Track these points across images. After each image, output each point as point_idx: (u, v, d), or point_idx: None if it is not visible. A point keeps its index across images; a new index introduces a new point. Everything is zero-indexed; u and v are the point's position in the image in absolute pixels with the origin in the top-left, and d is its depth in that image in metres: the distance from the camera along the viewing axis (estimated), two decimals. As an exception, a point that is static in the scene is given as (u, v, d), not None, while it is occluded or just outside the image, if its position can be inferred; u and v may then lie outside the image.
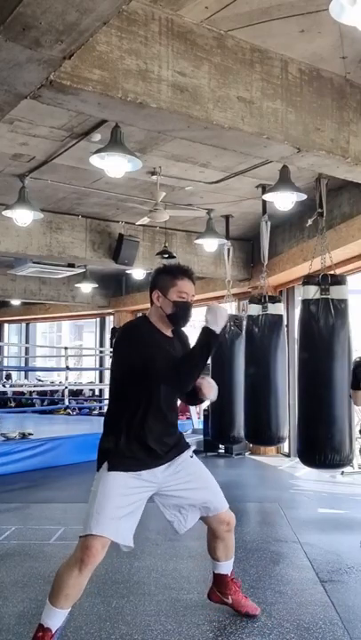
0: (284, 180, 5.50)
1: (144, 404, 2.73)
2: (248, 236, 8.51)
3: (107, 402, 13.94)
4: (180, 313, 2.81)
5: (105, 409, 14.14)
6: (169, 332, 2.88)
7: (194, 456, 3.01)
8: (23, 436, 7.95)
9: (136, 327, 2.98)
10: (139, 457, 2.72)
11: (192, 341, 2.88)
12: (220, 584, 3.16)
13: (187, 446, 2.99)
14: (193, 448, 3.09)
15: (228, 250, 7.49)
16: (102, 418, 9.89)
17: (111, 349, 12.79)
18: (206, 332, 2.67)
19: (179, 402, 3.21)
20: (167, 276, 2.86)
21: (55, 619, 2.57)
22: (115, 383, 2.92)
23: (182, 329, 2.96)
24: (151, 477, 2.76)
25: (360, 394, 4.06)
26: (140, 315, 12.71)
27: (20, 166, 5.94)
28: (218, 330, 2.68)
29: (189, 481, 2.90)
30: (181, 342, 2.92)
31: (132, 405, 2.75)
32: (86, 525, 2.61)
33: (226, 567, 3.15)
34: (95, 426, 10.43)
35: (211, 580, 3.22)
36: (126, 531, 2.69)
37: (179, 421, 3.15)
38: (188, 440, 3.16)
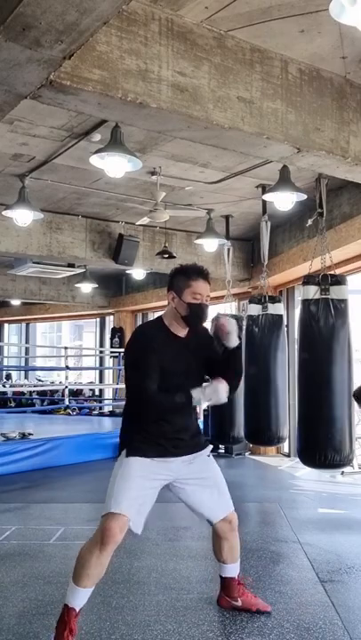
0: (284, 180, 5.50)
1: (155, 400, 2.78)
2: (248, 236, 8.51)
3: (107, 402, 13.99)
4: (195, 314, 2.85)
5: (105, 409, 14.14)
6: (183, 332, 2.91)
7: (210, 456, 3.07)
8: (23, 435, 7.95)
9: (143, 331, 3.06)
10: (154, 446, 2.81)
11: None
12: (228, 588, 3.17)
13: (206, 445, 3.06)
14: (211, 447, 3.12)
15: (228, 250, 7.48)
16: (102, 418, 9.99)
17: (111, 349, 12.87)
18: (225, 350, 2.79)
19: None
20: (182, 276, 2.88)
21: (78, 598, 2.67)
22: (128, 381, 2.97)
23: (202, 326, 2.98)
24: (167, 466, 2.84)
25: None
26: (140, 315, 12.74)
27: (20, 166, 5.94)
28: (233, 344, 2.80)
29: (203, 478, 2.96)
30: (200, 338, 2.93)
31: (145, 401, 2.80)
32: (106, 506, 2.71)
33: (233, 570, 3.15)
34: (95, 426, 10.46)
35: (219, 584, 3.23)
36: (141, 515, 2.76)
37: None
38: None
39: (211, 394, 2.76)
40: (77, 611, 2.68)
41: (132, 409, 2.92)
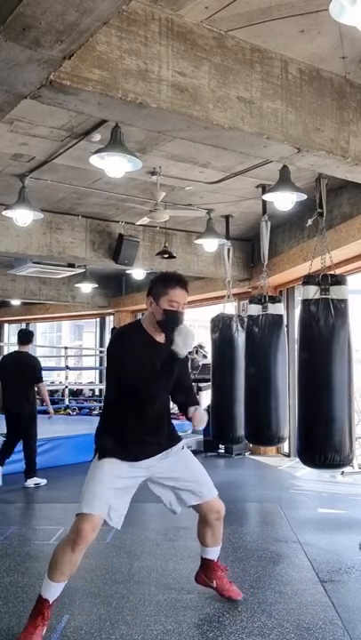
0: (284, 180, 5.50)
1: (127, 404, 2.93)
2: (248, 236, 8.51)
3: (106, 402, 13.65)
4: (169, 321, 2.94)
5: (105, 409, 13.88)
6: (160, 337, 3.02)
7: (185, 448, 3.21)
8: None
9: (121, 334, 3.20)
10: (124, 450, 2.94)
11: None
12: (206, 568, 3.37)
13: (178, 440, 3.18)
14: (184, 441, 3.25)
15: (228, 250, 7.48)
16: (102, 418, 9.52)
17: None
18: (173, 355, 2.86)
19: None
20: (160, 284, 3.00)
21: (52, 591, 2.83)
22: (106, 383, 3.19)
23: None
24: (139, 465, 2.97)
25: None
26: (139, 315, 12.75)
27: (20, 166, 5.94)
28: (183, 354, 2.87)
29: (176, 469, 3.08)
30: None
31: (117, 405, 2.99)
32: (79, 506, 2.85)
33: (213, 553, 3.34)
34: (95, 426, 10.45)
35: (199, 563, 3.40)
36: (116, 511, 2.90)
37: (178, 422, 3.23)
38: (188, 439, 3.24)
39: (182, 340, 2.85)
40: (50, 602, 2.83)
41: (108, 412, 3.10)
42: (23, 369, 6.66)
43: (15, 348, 7.44)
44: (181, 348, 2.83)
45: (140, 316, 12.74)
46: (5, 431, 6.80)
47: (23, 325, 16.31)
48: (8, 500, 6.03)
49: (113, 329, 13.17)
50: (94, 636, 2.89)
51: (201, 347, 7.08)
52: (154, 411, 2.97)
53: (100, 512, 2.83)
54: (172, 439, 3.15)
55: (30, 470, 6.63)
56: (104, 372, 13.88)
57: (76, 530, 2.81)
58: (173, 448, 3.11)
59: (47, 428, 7.87)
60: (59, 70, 2.87)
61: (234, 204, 7.24)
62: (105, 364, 13.98)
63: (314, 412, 4.75)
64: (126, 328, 3.35)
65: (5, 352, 16.40)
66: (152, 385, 2.86)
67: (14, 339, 17.18)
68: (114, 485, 2.89)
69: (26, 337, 6.85)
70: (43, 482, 6.70)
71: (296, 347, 5.45)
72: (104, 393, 3.27)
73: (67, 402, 11.92)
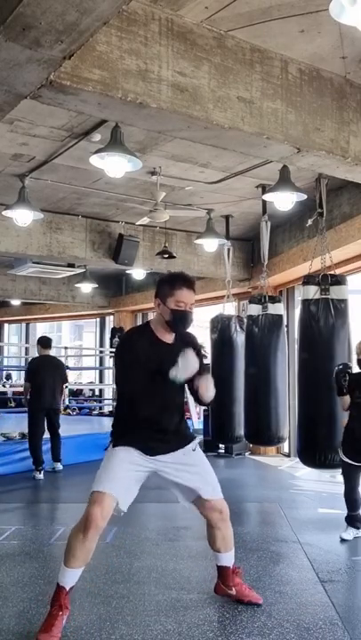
0: (284, 180, 5.50)
1: (134, 400, 2.97)
2: (248, 236, 8.51)
3: (107, 401, 13.96)
4: (178, 320, 3.00)
5: (105, 409, 14.11)
6: (168, 338, 3.06)
7: (197, 448, 3.20)
8: (23, 436, 7.92)
9: (129, 335, 3.25)
10: (135, 440, 2.97)
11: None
12: (223, 577, 3.31)
13: (190, 439, 3.18)
14: (197, 441, 3.25)
15: (228, 250, 7.49)
16: (102, 418, 10.06)
17: (111, 349, 12.86)
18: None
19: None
20: (167, 285, 3.03)
21: (67, 577, 2.86)
22: (116, 381, 3.21)
23: (187, 331, 3.15)
24: (150, 459, 2.99)
25: (346, 399, 4.38)
26: (140, 315, 12.74)
27: (20, 166, 5.94)
28: (181, 379, 2.86)
29: (188, 465, 3.10)
30: (185, 344, 3.03)
31: (126, 400, 3.04)
32: (92, 487, 2.88)
33: (226, 559, 3.29)
34: (95, 426, 10.44)
35: (216, 574, 3.35)
36: (125, 494, 2.92)
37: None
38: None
39: (183, 365, 2.85)
40: (67, 589, 2.85)
41: (119, 409, 3.14)
42: (54, 369, 7.44)
43: (15, 348, 8.00)
44: (181, 372, 2.84)
45: (140, 315, 12.75)
46: (29, 430, 7.25)
47: (23, 325, 16.35)
48: (8, 499, 6.02)
49: (113, 329, 13.19)
50: (94, 636, 2.89)
51: (201, 347, 7.10)
52: (162, 408, 2.99)
53: (113, 491, 2.85)
54: (185, 438, 3.16)
55: (58, 455, 7.37)
56: (104, 372, 13.97)
57: (86, 514, 2.84)
58: (186, 447, 3.12)
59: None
60: (59, 70, 2.87)
61: (234, 204, 7.24)
62: (105, 364, 13.92)
63: (314, 412, 4.76)
64: (133, 329, 3.46)
65: (5, 352, 16.50)
66: (156, 383, 2.87)
67: (15, 339, 17.23)
68: (126, 468, 2.94)
69: (48, 342, 7.69)
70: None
71: (296, 347, 5.45)
72: (115, 388, 3.26)
73: (67, 402, 11.92)
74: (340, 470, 4.62)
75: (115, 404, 3.31)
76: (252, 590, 3.35)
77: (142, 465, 3.00)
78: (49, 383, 7.24)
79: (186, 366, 2.84)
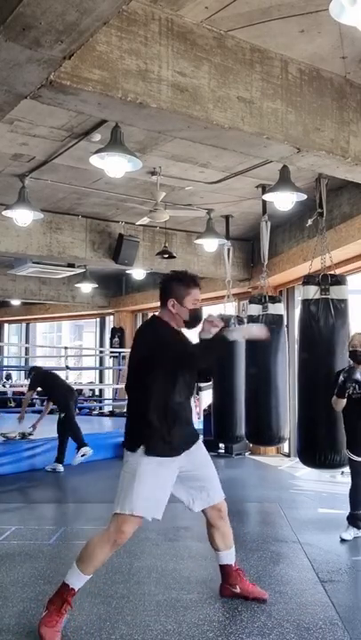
0: (284, 180, 5.50)
1: (169, 393, 3.00)
2: (248, 236, 8.51)
3: (107, 402, 13.87)
4: (196, 318, 3.13)
5: (105, 409, 14.01)
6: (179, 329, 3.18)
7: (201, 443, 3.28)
8: (23, 436, 7.94)
9: (155, 327, 3.17)
10: (174, 443, 2.98)
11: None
12: (226, 576, 3.35)
13: (198, 435, 3.30)
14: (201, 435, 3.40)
15: (228, 250, 7.49)
16: (102, 418, 10.09)
17: (111, 349, 12.86)
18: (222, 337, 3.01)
19: None
20: (181, 285, 3.11)
21: (81, 581, 2.91)
22: (138, 376, 3.06)
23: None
24: (178, 461, 3.03)
25: (343, 401, 4.38)
26: (140, 315, 12.74)
27: (20, 166, 5.94)
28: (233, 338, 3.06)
29: (197, 465, 3.16)
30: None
31: (158, 395, 2.97)
32: (123, 504, 2.86)
33: (227, 557, 3.33)
34: (95, 426, 10.42)
35: (218, 584, 3.39)
36: (159, 507, 2.94)
37: None
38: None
39: (247, 328, 3.20)
40: (76, 590, 2.91)
41: (144, 404, 2.97)
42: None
43: (15, 348, 8.22)
44: (235, 332, 3.15)
45: (140, 315, 12.73)
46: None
47: (23, 325, 16.34)
48: (8, 499, 6.02)
49: (113, 329, 13.18)
50: (94, 636, 2.89)
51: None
52: (187, 398, 3.11)
53: (145, 513, 2.88)
54: (197, 433, 3.28)
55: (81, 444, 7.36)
56: (104, 372, 13.95)
57: (119, 531, 2.86)
58: (198, 442, 3.22)
59: (47, 428, 7.87)
60: (59, 70, 2.87)
61: (234, 204, 7.24)
62: (105, 363, 13.85)
63: (314, 412, 4.75)
64: (152, 324, 3.25)
65: (5, 352, 16.49)
66: (186, 373, 3.04)
67: (15, 339, 17.20)
68: (159, 484, 2.94)
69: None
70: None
71: (296, 347, 5.45)
72: (127, 388, 3.21)
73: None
74: (340, 470, 4.63)
75: (131, 401, 3.18)
76: (256, 586, 3.39)
77: (172, 471, 3.02)
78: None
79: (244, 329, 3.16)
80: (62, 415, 7.44)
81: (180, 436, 3.00)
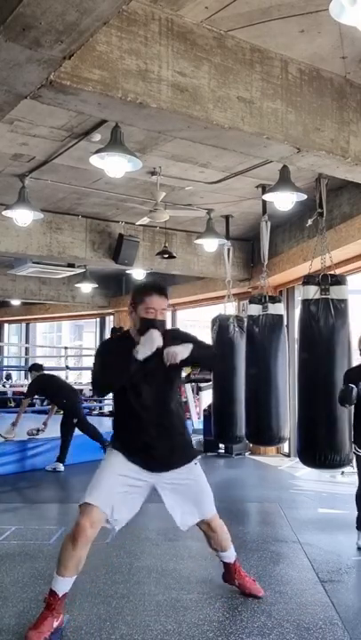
0: (284, 180, 5.50)
1: (122, 407, 3.06)
2: (248, 236, 8.51)
3: (107, 402, 13.98)
4: (147, 327, 2.96)
5: (105, 409, 14.13)
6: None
7: (197, 464, 3.19)
8: (37, 431, 7.94)
9: (104, 344, 3.38)
10: (129, 450, 3.01)
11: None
12: (226, 571, 3.46)
13: (191, 458, 3.17)
14: (198, 457, 3.24)
15: (228, 250, 7.49)
16: (102, 418, 10.13)
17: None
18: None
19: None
20: (137, 292, 3.05)
21: (59, 585, 2.87)
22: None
23: (179, 330, 3.29)
24: (147, 474, 3.00)
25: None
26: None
27: (20, 166, 5.94)
28: (140, 356, 2.91)
29: (181, 484, 3.10)
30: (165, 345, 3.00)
31: (117, 407, 3.14)
32: (83, 497, 2.89)
33: (226, 556, 3.41)
34: (95, 426, 10.43)
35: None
36: (119, 512, 2.92)
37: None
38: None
39: (145, 342, 2.90)
40: (60, 595, 2.86)
41: (114, 412, 3.22)
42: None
43: (15, 348, 8.25)
44: (140, 349, 2.88)
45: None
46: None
47: (23, 325, 16.35)
48: (8, 499, 6.03)
49: (113, 329, 13.17)
50: (94, 636, 2.89)
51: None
52: (151, 416, 3.00)
53: (99, 504, 2.86)
54: (184, 456, 3.14)
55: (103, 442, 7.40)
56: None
57: (75, 524, 2.87)
58: (186, 466, 3.12)
59: (47, 428, 7.87)
60: (59, 70, 2.87)
61: (234, 204, 7.24)
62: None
63: (314, 412, 4.75)
64: (106, 341, 3.52)
65: (5, 352, 16.49)
66: (139, 390, 2.96)
67: (15, 339, 17.20)
68: (120, 482, 2.93)
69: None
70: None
71: (296, 347, 5.45)
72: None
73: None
74: (340, 470, 4.59)
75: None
76: (255, 583, 3.45)
77: (137, 477, 3.00)
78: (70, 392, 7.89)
79: (144, 344, 2.88)
80: (75, 420, 7.52)
81: (140, 448, 2.99)
